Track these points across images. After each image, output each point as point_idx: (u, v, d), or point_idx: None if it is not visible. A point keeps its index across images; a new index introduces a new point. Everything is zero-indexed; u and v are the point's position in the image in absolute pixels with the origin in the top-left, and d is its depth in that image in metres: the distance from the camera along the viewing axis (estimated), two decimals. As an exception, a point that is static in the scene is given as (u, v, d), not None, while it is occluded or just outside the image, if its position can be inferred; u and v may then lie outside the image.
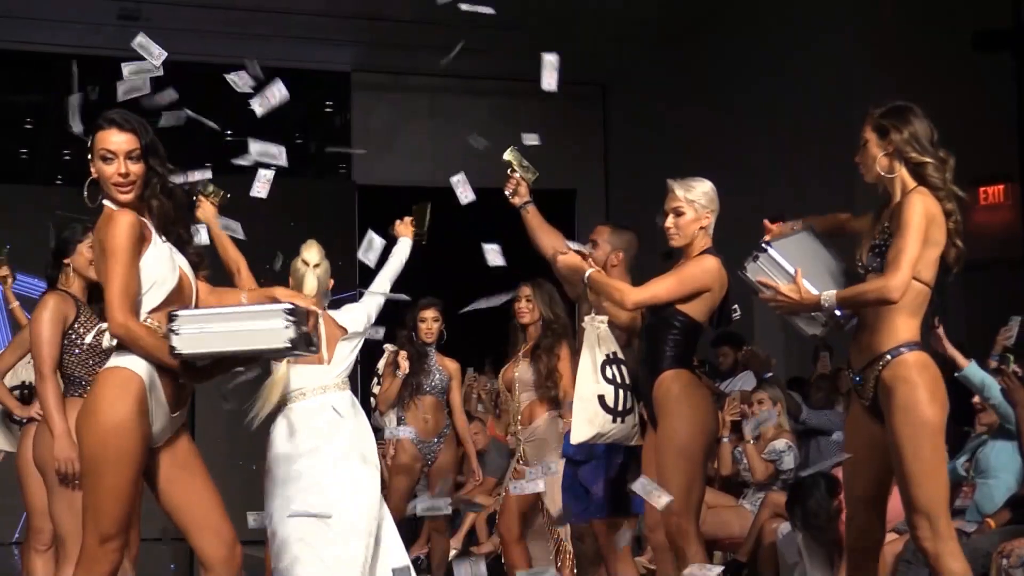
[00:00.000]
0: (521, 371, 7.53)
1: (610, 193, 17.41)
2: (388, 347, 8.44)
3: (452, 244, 15.58)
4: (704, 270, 5.74)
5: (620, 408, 5.92)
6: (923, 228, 4.82)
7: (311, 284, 6.30)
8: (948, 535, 4.88)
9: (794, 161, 13.84)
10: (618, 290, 5.65)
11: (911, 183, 5.01)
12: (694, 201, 5.87)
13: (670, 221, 5.86)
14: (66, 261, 6.06)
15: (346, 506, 6.01)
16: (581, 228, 17.49)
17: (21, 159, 19.26)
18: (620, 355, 5.95)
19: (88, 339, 5.89)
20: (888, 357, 4.93)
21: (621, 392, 5.92)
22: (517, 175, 6.58)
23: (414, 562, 11.06)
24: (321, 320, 5.83)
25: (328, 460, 6.02)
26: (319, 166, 19.25)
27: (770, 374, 9.84)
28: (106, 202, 4.65)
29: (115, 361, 4.45)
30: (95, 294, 6.03)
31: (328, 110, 18.02)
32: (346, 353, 6.39)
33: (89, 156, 4.76)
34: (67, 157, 19.07)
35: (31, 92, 17.25)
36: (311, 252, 6.38)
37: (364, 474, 6.17)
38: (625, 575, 6.64)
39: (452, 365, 8.50)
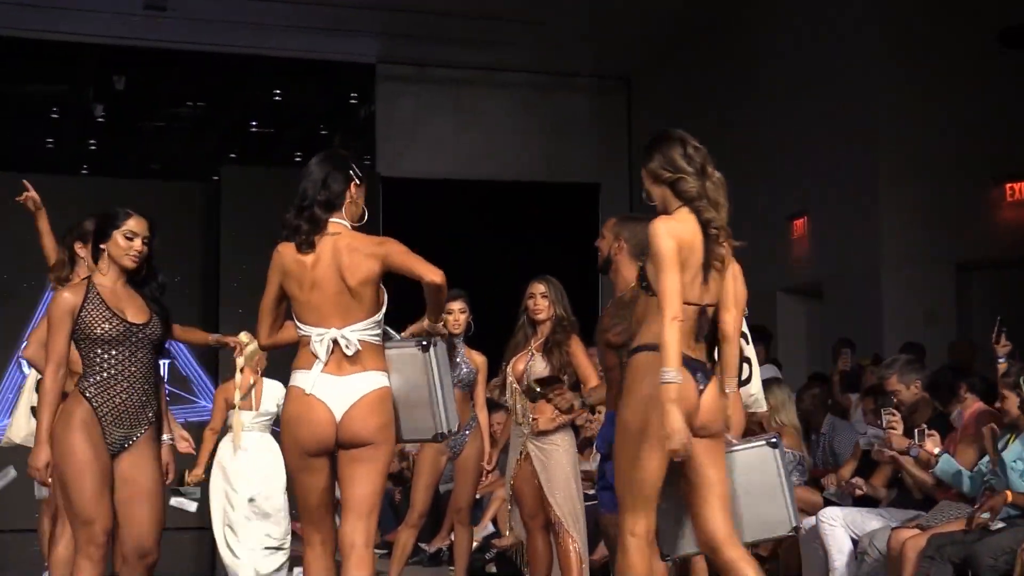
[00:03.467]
0: (535, 365, 7.56)
1: (634, 187, 17.38)
2: (415, 337, 8.43)
3: (472, 237, 15.70)
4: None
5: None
6: (672, 256, 4.93)
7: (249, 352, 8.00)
8: (628, 530, 4.97)
9: (818, 155, 13.81)
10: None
11: (672, 205, 5.12)
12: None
13: None
14: (102, 246, 5.76)
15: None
16: (605, 222, 17.44)
17: (47, 149, 19.35)
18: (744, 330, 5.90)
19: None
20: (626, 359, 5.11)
21: (745, 367, 5.88)
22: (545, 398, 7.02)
23: (436, 553, 11.14)
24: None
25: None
26: (343, 158, 19.26)
27: (776, 376, 9.71)
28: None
29: None
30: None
31: (352, 102, 18.03)
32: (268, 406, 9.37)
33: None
34: (92, 147, 19.17)
35: (57, 82, 17.30)
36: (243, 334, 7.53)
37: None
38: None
39: (479, 358, 8.45)
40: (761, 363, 11.05)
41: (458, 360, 8.23)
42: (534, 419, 7.52)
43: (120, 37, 15.47)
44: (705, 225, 5.03)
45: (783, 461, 5.21)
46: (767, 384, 9.11)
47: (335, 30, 15.56)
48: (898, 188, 12.95)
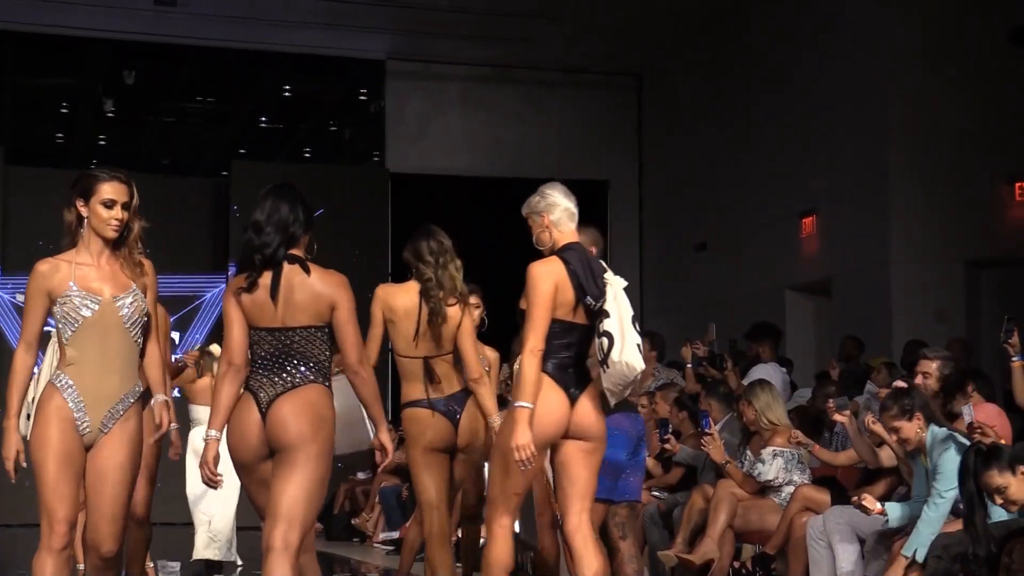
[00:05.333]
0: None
1: (643, 184, 17.35)
2: (427, 330, 8.39)
3: (481, 233, 15.71)
4: (536, 281, 5.79)
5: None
6: (375, 316, 6.69)
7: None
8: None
9: (829, 153, 13.80)
10: (523, 364, 5.83)
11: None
12: (531, 213, 6.01)
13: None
14: None
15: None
16: (613, 219, 17.41)
17: (56, 143, 19.40)
18: None
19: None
20: None
21: (605, 340, 5.96)
22: None
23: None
24: None
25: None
26: (352, 153, 19.30)
27: (762, 378, 9.61)
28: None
29: None
30: None
31: (362, 97, 18.04)
32: None
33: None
34: (102, 141, 19.21)
35: (67, 76, 17.34)
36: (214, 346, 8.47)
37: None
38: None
39: (492, 354, 8.40)
40: (768, 360, 11.08)
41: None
42: None
43: (130, 32, 15.50)
44: (426, 300, 6.68)
45: None
46: (750, 387, 9.06)
47: (345, 26, 15.58)
48: (908, 186, 12.94)
